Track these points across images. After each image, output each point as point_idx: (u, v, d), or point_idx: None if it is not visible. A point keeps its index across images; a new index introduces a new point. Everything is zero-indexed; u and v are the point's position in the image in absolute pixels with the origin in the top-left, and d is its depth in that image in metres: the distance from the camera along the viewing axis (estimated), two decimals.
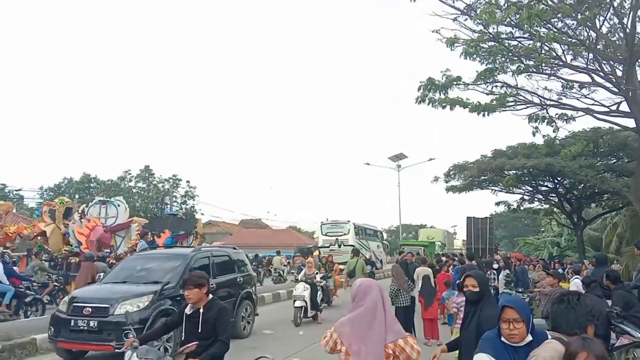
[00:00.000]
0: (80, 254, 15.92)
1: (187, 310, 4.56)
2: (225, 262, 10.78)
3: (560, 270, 15.05)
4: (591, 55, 13.65)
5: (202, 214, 36.29)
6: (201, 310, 4.45)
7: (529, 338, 3.06)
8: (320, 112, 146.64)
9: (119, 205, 20.67)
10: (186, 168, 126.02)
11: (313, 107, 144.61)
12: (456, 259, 19.13)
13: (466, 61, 12.85)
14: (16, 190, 47.58)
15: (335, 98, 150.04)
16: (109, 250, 18.58)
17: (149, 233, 18.53)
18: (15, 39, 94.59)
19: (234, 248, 12.26)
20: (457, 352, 4.38)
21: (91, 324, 7.96)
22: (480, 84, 12.94)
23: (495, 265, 15.37)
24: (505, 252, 44.71)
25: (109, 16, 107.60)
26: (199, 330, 4.39)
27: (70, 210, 19.82)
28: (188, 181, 51.97)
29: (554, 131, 13.36)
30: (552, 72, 13.73)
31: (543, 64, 11.77)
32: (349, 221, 33.84)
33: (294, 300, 12.28)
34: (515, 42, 12.50)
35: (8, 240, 19.82)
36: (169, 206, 45.07)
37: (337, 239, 32.18)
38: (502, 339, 3.12)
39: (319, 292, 13.03)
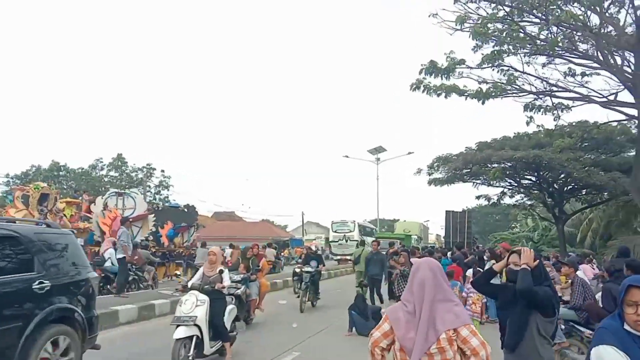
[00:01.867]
0: None
1: None
2: (7, 253, 5.46)
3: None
4: (591, 43, 13.41)
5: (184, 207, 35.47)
6: None
7: None
8: (299, 105, 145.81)
9: (136, 197, 21.41)
10: (160, 157, 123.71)
11: (291, 99, 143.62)
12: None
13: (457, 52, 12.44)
14: None
15: (314, 90, 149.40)
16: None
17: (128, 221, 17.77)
18: None
19: (48, 225, 6.73)
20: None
21: None
22: (485, 68, 12.53)
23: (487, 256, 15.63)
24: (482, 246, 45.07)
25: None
26: None
27: (47, 196, 18.77)
28: (162, 171, 50.66)
29: (554, 119, 13.10)
30: (552, 58, 13.40)
31: (557, 46, 11.35)
32: (354, 221, 41.32)
33: (176, 327, 6.83)
34: (524, 24, 12.07)
35: None
36: (143, 196, 43.78)
37: (344, 235, 39.56)
38: (626, 326, 2.52)
39: (231, 307, 8.01)
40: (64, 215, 19.25)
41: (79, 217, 21.26)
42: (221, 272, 7.52)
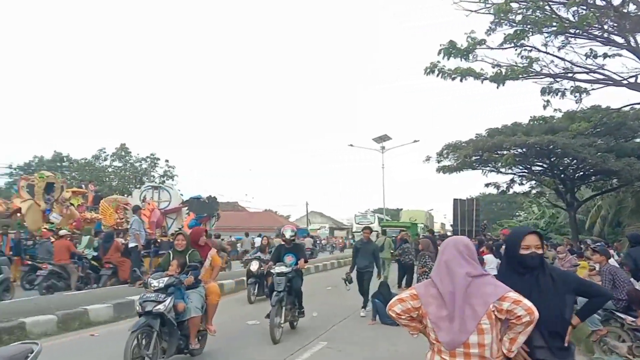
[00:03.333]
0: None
1: None
2: None
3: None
4: (613, 23, 13.07)
5: (182, 195, 34.84)
6: None
7: None
8: (304, 94, 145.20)
9: (171, 190, 22.35)
10: (164, 147, 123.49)
11: (296, 89, 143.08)
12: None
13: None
14: None
15: (319, 79, 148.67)
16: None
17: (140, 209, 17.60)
18: None
19: None
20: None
21: None
22: (507, 48, 12.19)
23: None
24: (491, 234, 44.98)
25: None
26: None
27: (52, 185, 18.49)
28: (167, 160, 50.18)
29: (576, 102, 12.82)
30: (575, 37, 13.06)
31: (586, 22, 10.98)
32: (374, 213, 49.01)
33: None
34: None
35: None
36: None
37: (365, 226, 44.10)
38: None
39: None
40: (71, 204, 19.00)
41: (85, 207, 21.08)
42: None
